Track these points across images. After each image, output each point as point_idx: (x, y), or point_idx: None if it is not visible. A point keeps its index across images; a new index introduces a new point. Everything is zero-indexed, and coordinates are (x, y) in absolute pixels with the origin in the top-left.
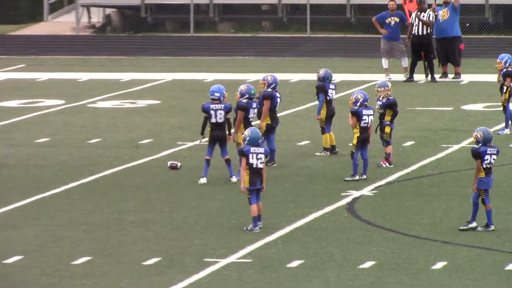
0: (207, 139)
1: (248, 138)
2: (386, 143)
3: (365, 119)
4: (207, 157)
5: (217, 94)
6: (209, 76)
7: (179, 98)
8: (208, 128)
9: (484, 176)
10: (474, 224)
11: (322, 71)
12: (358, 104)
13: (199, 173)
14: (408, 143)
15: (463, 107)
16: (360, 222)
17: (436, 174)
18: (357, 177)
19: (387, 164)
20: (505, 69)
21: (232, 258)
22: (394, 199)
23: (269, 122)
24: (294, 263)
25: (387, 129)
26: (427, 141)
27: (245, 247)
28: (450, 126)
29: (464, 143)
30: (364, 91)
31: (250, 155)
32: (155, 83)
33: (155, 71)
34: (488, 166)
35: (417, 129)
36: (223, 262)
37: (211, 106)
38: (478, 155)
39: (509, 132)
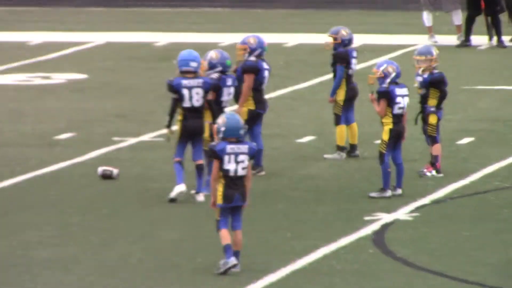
0: (175, 132)
1: (223, 129)
2: (432, 140)
3: (399, 102)
4: (177, 159)
5: (193, 64)
6: (161, 37)
7: (117, 70)
8: (177, 116)
9: (390, 126)
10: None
11: (345, 31)
12: (388, 80)
13: (145, 184)
14: (465, 140)
15: None
16: (394, 261)
17: (509, 187)
18: (388, 193)
19: (434, 172)
20: None
21: None
22: (444, 226)
23: (253, 108)
24: None
25: (433, 119)
26: (493, 137)
27: None
28: None
29: None
30: (396, 61)
31: (226, 156)
32: (79, 48)
33: (79, 29)
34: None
35: (479, 119)
36: None
37: (183, 82)
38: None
39: None
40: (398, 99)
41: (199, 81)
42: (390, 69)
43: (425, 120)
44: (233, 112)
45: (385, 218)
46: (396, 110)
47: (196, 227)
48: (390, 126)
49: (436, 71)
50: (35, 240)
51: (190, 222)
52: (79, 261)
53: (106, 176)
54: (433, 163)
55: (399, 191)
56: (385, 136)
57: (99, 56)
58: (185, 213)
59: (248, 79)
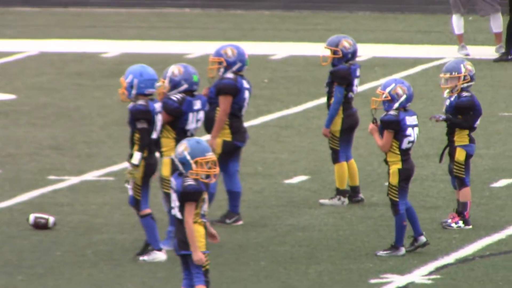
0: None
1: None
2: (460, 182)
3: (409, 135)
4: (147, 211)
5: (157, 85)
6: (112, 47)
7: (54, 89)
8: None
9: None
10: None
11: (348, 42)
12: (396, 105)
13: (90, 236)
14: (503, 182)
15: None
16: None
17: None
18: (402, 251)
19: (460, 223)
20: None
21: None
22: None
23: (229, 139)
24: None
25: (461, 155)
26: None
27: None
28: None
29: None
30: (415, 80)
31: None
32: (5, 60)
33: (6, 36)
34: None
35: None
36: None
37: (156, 106)
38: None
39: None
40: (409, 131)
41: (159, 105)
42: (399, 90)
43: (452, 156)
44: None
45: (396, 281)
46: (406, 145)
47: (158, 284)
48: (399, 165)
49: (465, 94)
50: None
51: (146, 284)
52: None
53: (40, 226)
54: (460, 212)
55: (423, 238)
56: (394, 180)
57: (31, 70)
58: (141, 272)
59: (225, 102)
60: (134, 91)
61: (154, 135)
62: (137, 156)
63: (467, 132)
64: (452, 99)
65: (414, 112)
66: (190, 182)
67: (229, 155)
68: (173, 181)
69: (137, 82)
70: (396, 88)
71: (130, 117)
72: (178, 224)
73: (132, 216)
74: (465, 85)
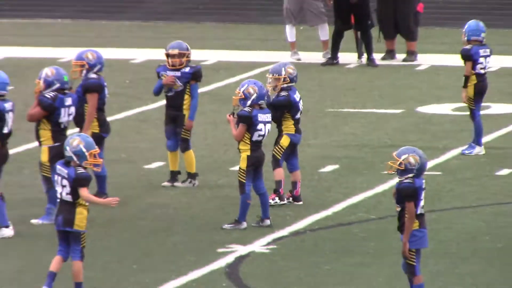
0: None
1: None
2: (276, 163)
3: (260, 129)
4: None
5: (9, 88)
6: None
7: None
8: None
9: (418, 227)
10: None
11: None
12: (249, 102)
13: None
14: (329, 168)
15: (420, 108)
16: None
17: (374, 219)
18: (244, 225)
19: (277, 199)
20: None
21: None
22: (304, 259)
23: (97, 130)
24: None
25: (285, 141)
26: (359, 164)
27: None
28: (399, 140)
29: None
30: (259, 80)
31: (55, 176)
32: None
33: None
34: (422, 212)
35: (344, 144)
36: None
37: (6, 106)
38: (413, 193)
39: (480, 152)
40: (260, 126)
41: (10, 104)
42: (251, 90)
43: (277, 141)
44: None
45: (240, 250)
46: (256, 137)
47: (36, 257)
48: (248, 153)
49: (283, 93)
50: None
51: (29, 252)
52: None
53: None
54: (276, 190)
55: (268, 222)
56: (243, 164)
57: None
58: (24, 243)
59: (93, 99)
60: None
61: (6, 130)
62: None
63: (292, 123)
64: (273, 96)
65: (268, 111)
66: (82, 170)
67: (97, 145)
68: (64, 170)
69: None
70: (248, 88)
71: None
72: (65, 205)
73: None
74: (285, 85)
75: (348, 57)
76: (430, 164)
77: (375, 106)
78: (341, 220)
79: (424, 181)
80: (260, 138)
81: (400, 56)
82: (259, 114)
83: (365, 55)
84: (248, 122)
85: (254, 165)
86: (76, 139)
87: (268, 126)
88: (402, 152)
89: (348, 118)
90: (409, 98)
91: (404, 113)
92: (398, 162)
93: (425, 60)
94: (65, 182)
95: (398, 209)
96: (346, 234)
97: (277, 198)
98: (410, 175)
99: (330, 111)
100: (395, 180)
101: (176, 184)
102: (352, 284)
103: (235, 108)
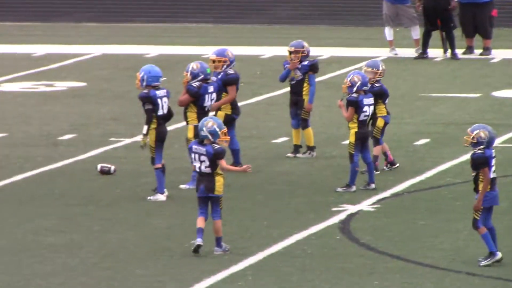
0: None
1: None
2: (376, 141)
3: (365, 111)
4: (158, 165)
5: (161, 80)
6: (151, 50)
7: (112, 79)
8: (152, 125)
9: (489, 189)
10: (498, 256)
11: (306, 44)
12: (355, 89)
13: (139, 180)
14: (422, 142)
15: (495, 93)
16: (358, 246)
17: (460, 183)
18: (353, 188)
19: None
20: None
21: None
22: (403, 216)
23: (229, 112)
24: None
25: (380, 122)
26: (446, 138)
27: (202, 279)
28: (478, 119)
29: (497, 142)
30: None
31: (193, 154)
32: (78, 58)
33: (79, 42)
34: (494, 176)
35: (434, 122)
36: None
37: (157, 93)
38: (485, 161)
39: None
40: (365, 108)
41: (165, 91)
42: (355, 79)
43: (373, 123)
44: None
45: (350, 209)
46: (362, 117)
47: (183, 216)
48: (356, 129)
49: (377, 84)
50: (43, 227)
51: (177, 212)
52: (82, 246)
53: (104, 172)
54: (374, 161)
55: (373, 185)
56: (352, 139)
57: (97, 66)
58: (173, 205)
59: (232, 91)
60: (144, 83)
61: (160, 112)
62: (144, 128)
63: (383, 106)
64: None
65: (371, 95)
66: (218, 146)
67: (229, 124)
68: (201, 148)
69: (146, 77)
70: (353, 77)
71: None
72: (205, 176)
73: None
74: (378, 78)
75: (435, 52)
76: (503, 138)
77: (458, 92)
78: (432, 184)
79: (493, 151)
80: (365, 117)
81: (478, 51)
82: (364, 99)
83: (449, 51)
84: (356, 106)
85: (361, 139)
86: (210, 121)
87: (371, 107)
88: (474, 128)
89: (436, 101)
90: (485, 85)
91: (481, 97)
92: (471, 137)
93: (498, 54)
94: (203, 158)
95: (473, 174)
96: (437, 195)
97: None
98: (481, 146)
99: (422, 95)
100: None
101: (298, 155)
102: (443, 237)
103: (344, 95)
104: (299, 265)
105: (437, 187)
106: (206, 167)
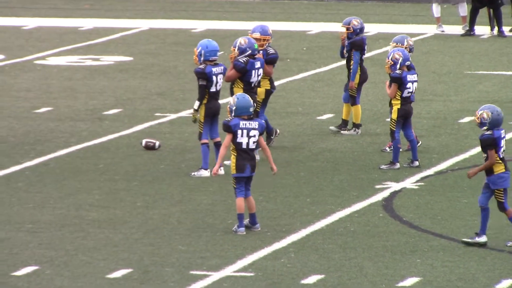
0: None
1: (234, 108)
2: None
3: (409, 88)
4: (205, 141)
5: (219, 54)
6: (198, 25)
7: (158, 54)
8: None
9: (503, 171)
10: (483, 239)
11: (357, 21)
12: (398, 66)
13: (184, 155)
14: (466, 119)
15: None
16: (401, 224)
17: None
18: (397, 165)
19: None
20: None
21: (228, 271)
22: (446, 194)
23: (269, 87)
24: (312, 279)
25: (394, 114)
26: None
27: (245, 256)
28: None
29: None
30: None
31: (239, 131)
32: (125, 33)
33: (126, 16)
34: (503, 156)
35: (479, 100)
36: (215, 275)
37: (213, 70)
38: (493, 142)
39: None
40: (409, 85)
41: (221, 68)
42: (397, 56)
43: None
44: (244, 93)
45: (393, 186)
46: (405, 94)
47: (226, 193)
48: (398, 106)
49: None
50: (87, 202)
51: (221, 189)
52: (125, 221)
53: (149, 147)
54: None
55: (416, 163)
56: (394, 115)
57: (143, 40)
58: (217, 181)
59: (270, 69)
60: (202, 58)
61: (213, 89)
62: (196, 103)
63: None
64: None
65: (414, 72)
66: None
67: (267, 98)
68: (252, 122)
69: (204, 52)
70: (394, 55)
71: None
72: (251, 154)
73: (211, 143)
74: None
75: (482, 30)
76: None
77: (504, 69)
78: (476, 162)
79: (503, 131)
80: (409, 94)
81: None
82: (408, 75)
83: (496, 28)
84: (399, 82)
85: (404, 116)
86: (233, 98)
87: (415, 84)
88: (480, 109)
89: (482, 79)
90: None
91: None
92: (477, 117)
93: None
94: (254, 132)
95: (484, 155)
96: (481, 173)
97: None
98: (484, 128)
99: (468, 73)
100: None
101: (342, 131)
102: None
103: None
104: (341, 243)
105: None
106: (254, 142)
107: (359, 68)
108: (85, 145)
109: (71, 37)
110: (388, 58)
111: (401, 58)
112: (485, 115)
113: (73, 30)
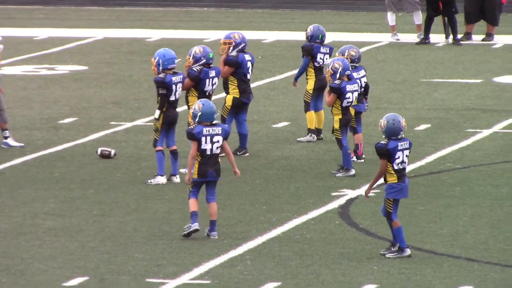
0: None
1: (199, 114)
2: (353, 130)
3: (348, 97)
4: (160, 148)
5: (177, 61)
6: (153, 34)
7: (113, 63)
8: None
9: (395, 181)
10: (407, 253)
11: (310, 28)
12: (337, 75)
13: (139, 163)
14: (422, 127)
15: (496, 79)
16: (357, 231)
17: (460, 168)
18: (352, 171)
19: (354, 158)
20: None
21: (184, 279)
22: (402, 201)
23: (237, 96)
24: (268, 286)
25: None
26: (447, 124)
27: (201, 263)
28: (479, 105)
29: (497, 128)
30: (365, 54)
31: (203, 138)
32: (80, 42)
33: (80, 26)
34: (401, 167)
35: (434, 107)
36: (172, 283)
37: (173, 78)
38: (386, 152)
39: None
40: (348, 95)
41: (180, 77)
42: (336, 65)
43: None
44: (207, 99)
45: (350, 194)
46: (345, 104)
47: (182, 201)
48: (340, 116)
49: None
50: (43, 211)
51: (177, 197)
52: (81, 229)
53: (105, 156)
54: (354, 150)
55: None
56: (336, 125)
57: (98, 50)
58: (173, 189)
59: (226, 71)
60: (160, 67)
61: (173, 98)
62: (157, 112)
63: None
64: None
65: (355, 81)
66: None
67: (238, 108)
68: (215, 128)
69: (162, 61)
70: (334, 64)
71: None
72: (215, 159)
73: (166, 150)
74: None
75: (437, 38)
76: (504, 123)
77: (459, 77)
78: (432, 169)
79: (404, 142)
80: (348, 104)
81: (475, 37)
82: (347, 85)
83: (451, 36)
84: (338, 92)
85: (345, 125)
86: (197, 104)
87: (355, 94)
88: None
89: (437, 87)
90: (487, 71)
91: (483, 83)
92: (329, 71)
93: (500, 40)
94: (217, 138)
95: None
96: (436, 180)
97: (354, 157)
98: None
99: (423, 81)
100: (476, 137)
101: (298, 139)
102: (441, 222)
103: (330, 82)
104: (298, 250)
105: (437, 172)
106: (217, 147)
107: (314, 75)
108: (40, 154)
109: (26, 46)
110: (329, 67)
111: (340, 68)
112: (382, 124)
113: (28, 39)
